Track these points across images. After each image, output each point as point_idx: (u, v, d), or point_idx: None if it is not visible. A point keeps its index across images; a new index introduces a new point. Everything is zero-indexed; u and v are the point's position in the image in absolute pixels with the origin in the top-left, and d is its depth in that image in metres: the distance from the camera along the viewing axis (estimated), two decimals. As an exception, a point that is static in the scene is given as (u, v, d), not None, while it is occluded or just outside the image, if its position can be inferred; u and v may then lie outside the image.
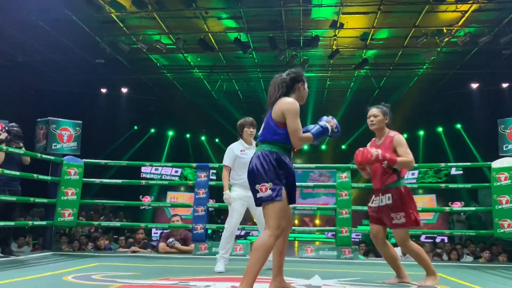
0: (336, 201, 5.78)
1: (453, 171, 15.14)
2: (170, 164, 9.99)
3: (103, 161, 6.68)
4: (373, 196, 3.69)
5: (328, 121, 2.95)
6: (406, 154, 3.50)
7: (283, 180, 2.75)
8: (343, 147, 16.97)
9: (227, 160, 4.48)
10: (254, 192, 2.76)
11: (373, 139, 3.80)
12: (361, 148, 3.57)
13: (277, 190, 2.69)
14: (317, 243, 11.05)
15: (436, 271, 3.54)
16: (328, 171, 16.43)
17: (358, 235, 12.15)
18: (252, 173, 2.78)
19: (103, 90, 14.23)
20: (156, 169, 16.20)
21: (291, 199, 2.83)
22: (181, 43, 10.62)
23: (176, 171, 16.71)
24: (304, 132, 2.83)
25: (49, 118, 6.15)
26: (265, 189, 2.70)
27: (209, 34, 10.57)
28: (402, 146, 3.54)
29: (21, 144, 5.36)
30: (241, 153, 4.42)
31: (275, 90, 2.88)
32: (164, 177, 16.69)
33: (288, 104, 2.79)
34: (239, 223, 4.43)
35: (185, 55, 11.92)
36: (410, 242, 3.52)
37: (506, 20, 9.36)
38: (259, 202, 2.75)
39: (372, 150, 3.46)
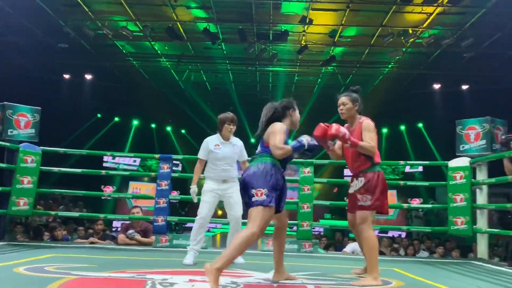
0: (298, 195, 5.83)
1: (407, 169, 15.50)
2: (132, 154, 9.79)
3: (61, 149, 6.46)
4: (351, 183, 3.66)
5: (305, 138, 3.18)
6: (369, 140, 3.45)
7: (277, 191, 3.06)
8: (308, 142, 17.15)
9: (200, 153, 4.48)
10: (249, 195, 3.03)
11: (346, 125, 3.75)
12: (322, 123, 3.50)
13: (271, 197, 3.00)
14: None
15: (379, 277, 3.29)
16: (295, 165, 16.55)
17: (319, 229, 12.35)
18: (249, 178, 3.08)
19: (66, 76, 13.80)
20: (113, 158, 15.86)
21: (279, 208, 3.14)
22: (149, 30, 10.42)
23: (134, 161, 16.36)
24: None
25: (4, 103, 5.88)
26: (261, 194, 2.99)
27: (178, 23, 10.41)
28: (367, 131, 3.49)
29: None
30: (215, 147, 4.38)
31: (265, 114, 3.27)
32: (125, 167, 16.39)
33: (272, 127, 3.17)
34: (211, 216, 4.40)
35: (152, 43, 11.70)
36: (370, 229, 3.40)
37: (468, 24, 9.67)
38: (253, 205, 3.01)
39: (334, 125, 3.41)
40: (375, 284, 3.20)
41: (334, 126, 3.41)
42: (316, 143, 3.22)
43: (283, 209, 3.21)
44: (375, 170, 3.51)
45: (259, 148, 3.26)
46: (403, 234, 12.28)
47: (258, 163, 3.12)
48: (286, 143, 3.13)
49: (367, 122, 3.54)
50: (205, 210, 4.30)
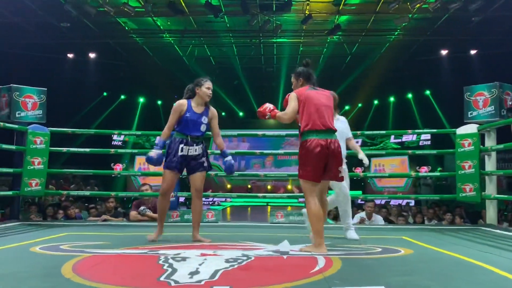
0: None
1: (412, 138, 15.39)
2: (139, 132, 9.83)
3: (69, 130, 6.51)
4: None
5: (152, 151, 4.04)
6: (286, 110, 3.53)
7: (173, 156, 3.97)
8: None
9: None
10: None
11: None
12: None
13: (165, 161, 4.01)
14: (289, 208, 11.27)
15: (322, 244, 3.34)
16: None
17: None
18: None
19: (70, 55, 13.75)
20: (129, 137, 15.93)
21: (185, 169, 4.07)
22: (150, 6, 10.28)
23: (119, 136, 15.89)
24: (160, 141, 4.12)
25: (11, 85, 5.91)
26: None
27: (179, -3, 10.26)
28: (288, 102, 3.54)
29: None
30: None
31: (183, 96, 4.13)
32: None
33: None
34: None
35: (154, 18, 11.57)
36: (311, 199, 3.40)
37: (476, -13, 9.41)
38: None
39: (267, 104, 3.68)
40: (316, 251, 3.29)
41: (265, 105, 3.69)
42: (154, 159, 3.97)
43: (195, 173, 4.01)
44: (302, 139, 3.47)
45: None
46: (411, 202, 12.34)
47: None
48: (186, 118, 4.02)
49: (289, 95, 3.58)
50: None
